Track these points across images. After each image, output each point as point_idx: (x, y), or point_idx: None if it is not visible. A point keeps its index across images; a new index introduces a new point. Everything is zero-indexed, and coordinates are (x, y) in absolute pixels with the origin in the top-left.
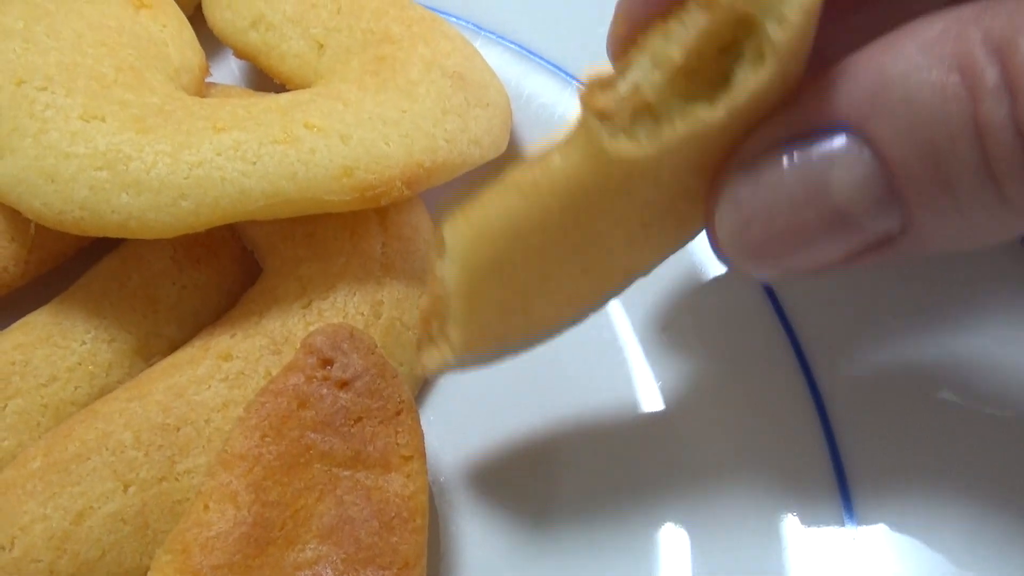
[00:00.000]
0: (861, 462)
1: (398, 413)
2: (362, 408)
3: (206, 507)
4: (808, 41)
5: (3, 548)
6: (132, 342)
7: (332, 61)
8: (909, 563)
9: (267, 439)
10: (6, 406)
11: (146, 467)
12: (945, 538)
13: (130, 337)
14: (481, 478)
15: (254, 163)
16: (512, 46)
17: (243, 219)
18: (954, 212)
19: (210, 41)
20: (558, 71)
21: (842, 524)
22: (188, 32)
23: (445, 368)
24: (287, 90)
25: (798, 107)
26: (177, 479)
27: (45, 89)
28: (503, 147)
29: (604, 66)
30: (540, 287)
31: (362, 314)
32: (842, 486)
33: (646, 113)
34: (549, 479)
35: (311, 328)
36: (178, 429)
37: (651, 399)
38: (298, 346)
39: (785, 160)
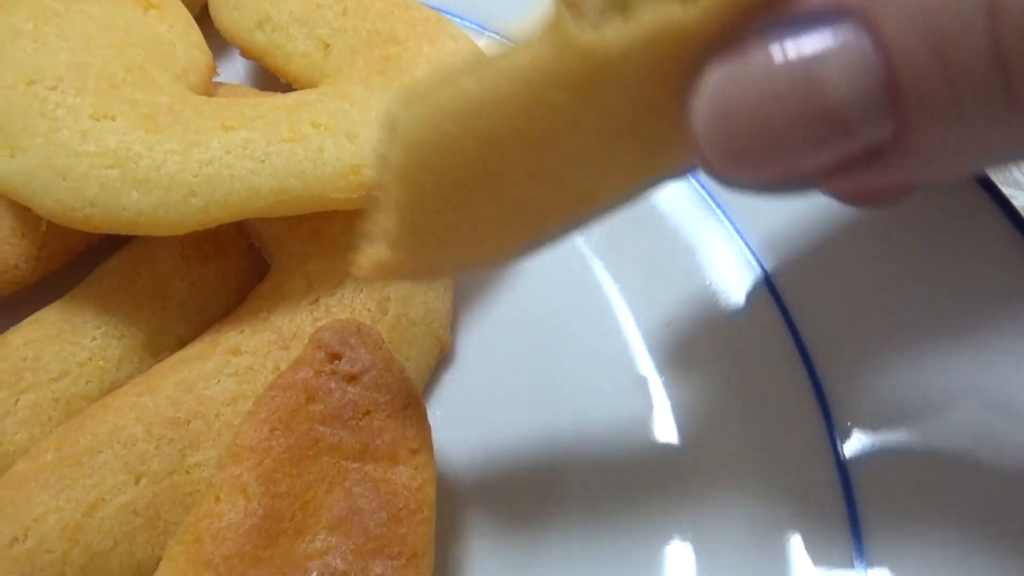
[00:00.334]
0: (871, 485)
1: (405, 407)
2: (370, 402)
3: (217, 499)
4: None
5: (17, 539)
6: (141, 338)
7: (338, 61)
8: None
9: (276, 432)
10: (18, 400)
11: (157, 460)
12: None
13: (139, 333)
14: (488, 471)
15: (262, 161)
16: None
17: (251, 216)
18: (954, 117)
19: (216, 41)
20: None
21: (848, 542)
22: (195, 32)
23: (381, 270)
24: (293, 90)
25: None
26: (188, 472)
27: (55, 89)
28: None
29: None
30: (489, 190)
31: (369, 310)
32: (852, 513)
33: (619, 8)
34: (555, 472)
35: (319, 324)
36: (188, 423)
37: (661, 403)
38: (306, 341)
39: (775, 50)
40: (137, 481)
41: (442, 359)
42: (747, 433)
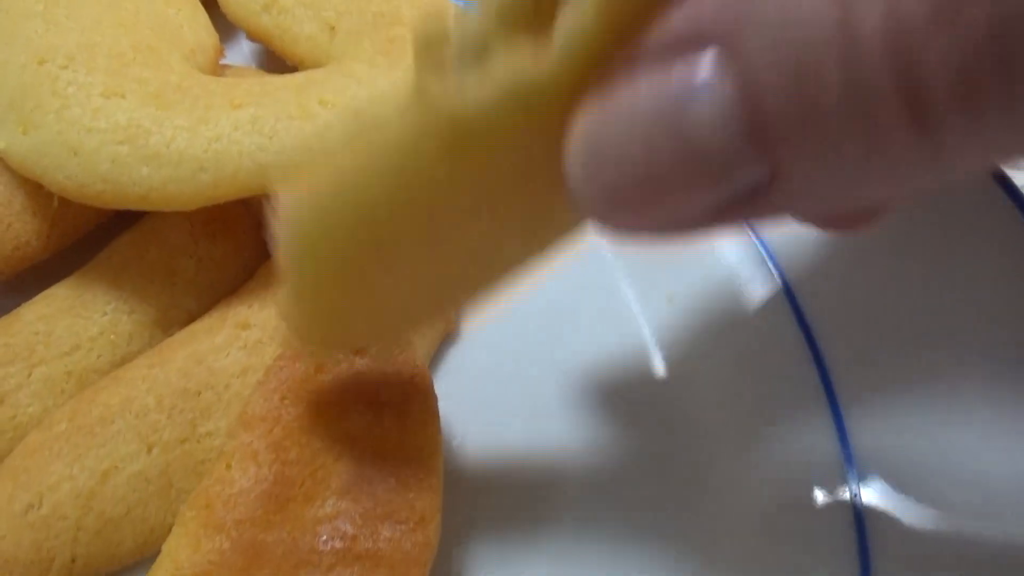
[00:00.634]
0: (872, 460)
1: (412, 378)
2: (377, 373)
3: (228, 466)
4: None
5: (32, 506)
6: (152, 313)
7: (344, 43)
8: None
9: (286, 401)
10: (31, 373)
11: (168, 429)
12: None
13: (150, 308)
14: (494, 442)
15: (271, 138)
16: None
17: (260, 192)
18: (828, 150)
19: (223, 24)
20: None
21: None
22: (202, 14)
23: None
24: (300, 71)
25: (664, 17)
26: (199, 441)
27: (66, 67)
28: None
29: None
30: (382, 263)
31: None
32: (859, 527)
33: (478, 58)
34: (557, 453)
35: None
36: (199, 394)
37: (669, 396)
38: None
39: (642, 86)
40: (149, 450)
41: (447, 338)
42: (758, 434)
